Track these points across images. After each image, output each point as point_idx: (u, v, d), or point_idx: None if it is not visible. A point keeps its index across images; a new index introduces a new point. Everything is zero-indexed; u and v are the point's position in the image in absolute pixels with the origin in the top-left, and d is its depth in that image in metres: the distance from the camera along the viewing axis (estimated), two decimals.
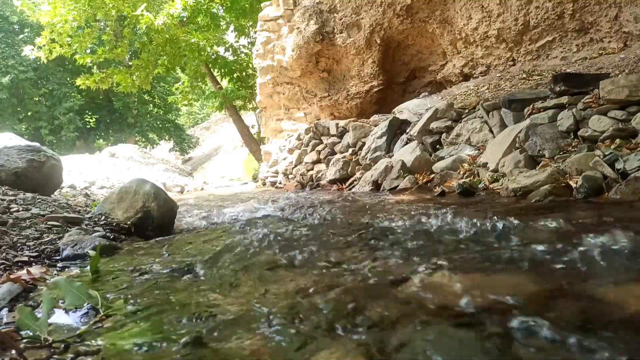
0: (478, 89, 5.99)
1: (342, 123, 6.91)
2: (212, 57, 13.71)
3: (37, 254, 1.89)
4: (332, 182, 5.96)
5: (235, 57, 14.30)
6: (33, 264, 1.75)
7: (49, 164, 3.78)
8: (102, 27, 14.43)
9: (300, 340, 0.98)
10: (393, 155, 5.32)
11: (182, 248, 2.14)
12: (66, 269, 1.78)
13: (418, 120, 5.36)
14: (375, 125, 6.17)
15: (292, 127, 9.58)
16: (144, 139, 24.28)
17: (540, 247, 1.55)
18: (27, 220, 2.34)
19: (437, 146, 4.83)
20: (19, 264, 1.72)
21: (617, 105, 3.13)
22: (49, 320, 1.11)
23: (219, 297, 1.31)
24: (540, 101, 3.87)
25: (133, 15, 12.24)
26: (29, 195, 3.08)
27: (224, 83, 14.54)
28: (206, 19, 13.49)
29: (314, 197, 4.26)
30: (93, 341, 1.02)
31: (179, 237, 2.55)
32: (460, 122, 4.69)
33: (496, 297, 1.12)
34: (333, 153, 6.75)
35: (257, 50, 9.67)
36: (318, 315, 1.11)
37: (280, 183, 8.16)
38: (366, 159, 5.68)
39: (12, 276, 1.46)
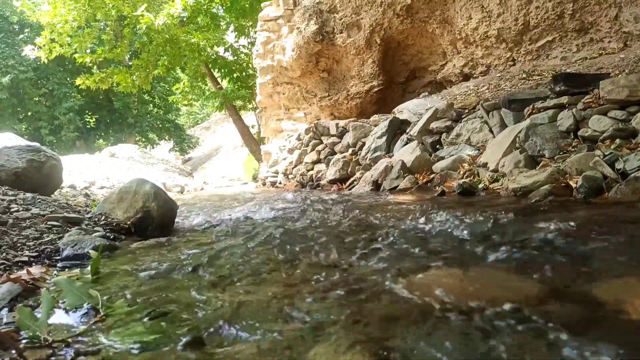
0: (478, 89, 5.99)
1: (342, 123, 6.91)
2: (212, 57, 13.70)
3: (37, 254, 1.88)
4: (332, 182, 5.96)
5: (235, 57, 14.30)
6: (33, 264, 1.75)
7: (49, 164, 3.77)
8: (102, 27, 14.43)
9: (300, 339, 0.98)
10: (393, 155, 5.32)
11: (182, 248, 2.14)
12: (66, 269, 1.78)
13: (418, 120, 5.36)
14: (375, 125, 6.17)
15: (292, 127, 9.58)
16: (144, 139, 24.27)
17: (540, 247, 1.55)
18: (27, 220, 2.34)
19: (437, 146, 4.83)
20: (19, 264, 1.72)
21: (617, 105, 3.12)
22: (49, 320, 1.11)
23: (219, 297, 1.31)
24: (540, 101, 3.87)
25: (133, 16, 12.24)
26: (29, 195, 3.08)
27: (224, 83, 14.54)
28: (206, 19, 13.49)
29: (314, 197, 4.26)
30: (93, 341, 1.02)
31: (179, 237, 2.55)
32: (460, 122, 4.69)
33: (495, 297, 1.12)
34: (333, 153, 6.75)
35: (257, 50, 9.67)
36: (318, 314, 1.11)
37: (280, 183, 8.16)
38: (366, 159, 5.68)
39: (12, 276, 1.46)
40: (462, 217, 2.14)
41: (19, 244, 1.94)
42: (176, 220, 2.99)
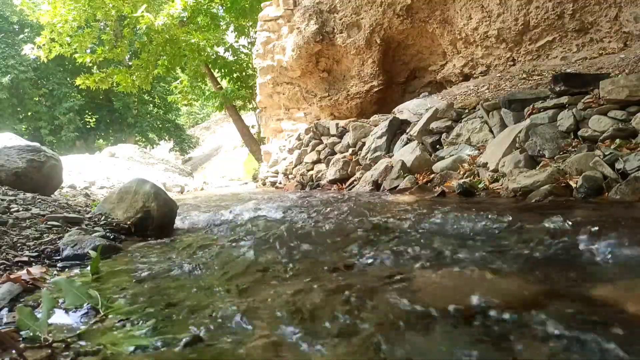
0: (478, 89, 5.99)
1: (342, 123, 6.91)
2: (212, 57, 13.70)
3: (37, 254, 1.88)
4: (332, 182, 5.96)
5: (235, 57, 14.30)
6: (33, 264, 1.75)
7: (49, 164, 3.77)
8: (102, 27, 14.43)
9: (300, 339, 0.98)
10: (393, 155, 5.32)
11: (182, 248, 2.14)
12: (66, 269, 1.78)
13: (418, 120, 5.36)
14: (375, 125, 6.17)
15: (292, 127, 9.58)
16: (144, 139, 24.26)
17: (540, 247, 1.55)
18: (27, 220, 2.34)
19: (437, 146, 4.83)
20: (19, 264, 1.72)
21: (617, 105, 3.13)
22: (49, 320, 1.11)
23: (219, 297, 1.31)
24: (540, 101, 3.87)
25: (133, 16, 12.24)
26: (29, 195, 3.08)
27: (224, 83, 14.54)
28: (206, 19, 13.47)
29: (314, 197, 4.27)
30: (93, 341, 1.02)
31: (179, 237, 2.55)
32: (460, 122, 4.69)
33: (495, 297, 1.12)
34: (333, 153, 6.75)
35: (257, 50, 9.67)
36: (318, 314, 1.11)
37: (280, 183, 8.16)
38: (366, 159, 5.68)
39: (12, 276, 1.46)
40: (462, 218, 2.14)
41: (19, 244, 1.94)
42: (176, 220, 2.99)
